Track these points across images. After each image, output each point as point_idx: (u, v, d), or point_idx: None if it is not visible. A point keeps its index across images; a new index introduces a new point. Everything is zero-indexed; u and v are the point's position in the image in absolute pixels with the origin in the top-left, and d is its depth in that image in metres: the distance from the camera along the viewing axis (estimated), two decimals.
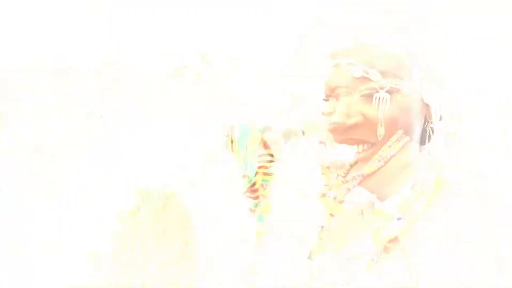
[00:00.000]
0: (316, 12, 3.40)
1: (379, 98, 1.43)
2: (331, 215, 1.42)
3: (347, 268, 1.34)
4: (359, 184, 1.47)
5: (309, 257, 1.36)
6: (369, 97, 1.45)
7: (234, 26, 4.02)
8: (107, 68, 5.25)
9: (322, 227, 1.41)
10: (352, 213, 1.32)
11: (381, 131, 1.46)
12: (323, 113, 1.52)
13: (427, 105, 1.53)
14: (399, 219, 1.33)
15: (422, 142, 1.55)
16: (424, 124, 1.52)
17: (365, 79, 1.45)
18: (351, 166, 1.58)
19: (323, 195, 1.52)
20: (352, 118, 1.46)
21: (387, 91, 1.44)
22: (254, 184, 1.81)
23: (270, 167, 1.61)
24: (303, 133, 1.57)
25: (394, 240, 1.28)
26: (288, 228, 1.41)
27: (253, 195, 1.81)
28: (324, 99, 1.55)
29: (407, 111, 1.48)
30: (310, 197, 1.43)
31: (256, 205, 1.80)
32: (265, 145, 1.95)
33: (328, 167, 1.54)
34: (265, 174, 1.80)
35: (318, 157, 1.53)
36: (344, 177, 1.53)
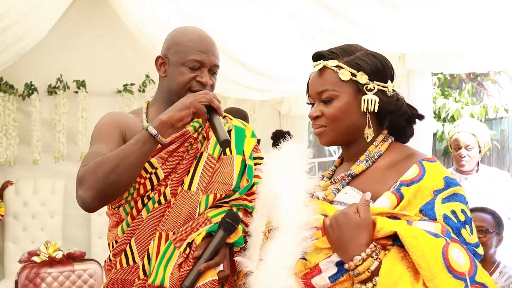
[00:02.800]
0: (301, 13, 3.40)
1: (367, 100, 1.44)
2: (324, 215, 1.41)
3: None
4: (349, 184, 1.48)
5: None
6: (357, 100, 1.46)
7: None
8: None
9: (316, 227, 1.40)
10: (349, 212, 1.32)
11: (369, 132, 1.47)
12: (309, 117, 1.52)
13: (409, 105, 1.55)
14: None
15: (405, 140, 1.57)
16: (407, 123, 1.53)
17: (353, 81, 1.45)
18: (336, 167, 1.60)
19: (312, 196, 1.52)
20: (340, 121, 1.47)
21: (375, 93, 1.45)
22: (251, 187, 1.83)
23: (260, 169, 1.62)
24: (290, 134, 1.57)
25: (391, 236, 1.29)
26: (291, 215, 1.40)
27: (250, 198, 1.83)
28: (308, 103, 1.55)
29: (392, 112, 1.49)
30: (301, 198, 1.42)
31: (253, 207, 1.80)
32: (256, 148, 1.98)
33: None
34: (256, 176, 1.83)
35: (305, 159, 1.52)
36: (329, 178, 1.55)
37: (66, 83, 5.30)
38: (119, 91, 5.49)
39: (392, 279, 1.23)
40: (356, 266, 1.27)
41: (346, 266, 1.29)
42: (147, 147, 1.66)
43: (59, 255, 4.02)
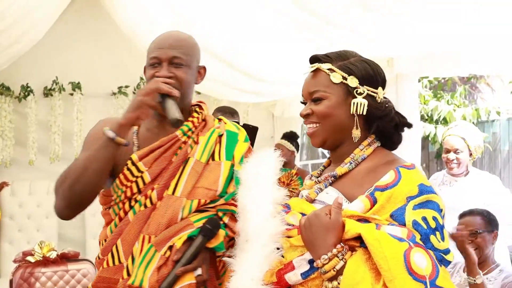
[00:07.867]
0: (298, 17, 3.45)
1: (357, 103, 1.51)
2: (302, 214, 1.47)
3: None
4: (331, 185, 1.54)
5: None
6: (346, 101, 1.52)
7: None
8: None
9: (293, 226, 1.47)
10: (320, 213, 1.38)
11: (356, 133, 1.53)
12: (300, 115, 1.59)
13: (397, 113, 1.60)
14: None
15: (392, 147, 1.61)
16: (395, 130, 1.58)
17: (344, 84, 1.52)
18: (325, 167, 1.66)
19: (298, 194, 1.59)
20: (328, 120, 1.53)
21: (364, 97, 1.51)
22: None
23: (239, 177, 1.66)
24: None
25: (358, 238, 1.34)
26: (259, 227, 1.46)
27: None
28: (301, 102, 1.62)
29: (380, 117, 1.54)
30: (268, 210, 1.48)
31: None
32: (250, 152, 2.00)
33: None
34: None
35: (276, 168, 1.58)
36: (317, 177, 1.60)
37: (62, 85, 5.34)
38: (114, 93, 5.53)
39: (355, 279, 1.29)
40: (323, 264, 1.34)
41: (315, 264, 1.36)
42: (108, 151, 1.73)
43: (53, 255, 4.06)
